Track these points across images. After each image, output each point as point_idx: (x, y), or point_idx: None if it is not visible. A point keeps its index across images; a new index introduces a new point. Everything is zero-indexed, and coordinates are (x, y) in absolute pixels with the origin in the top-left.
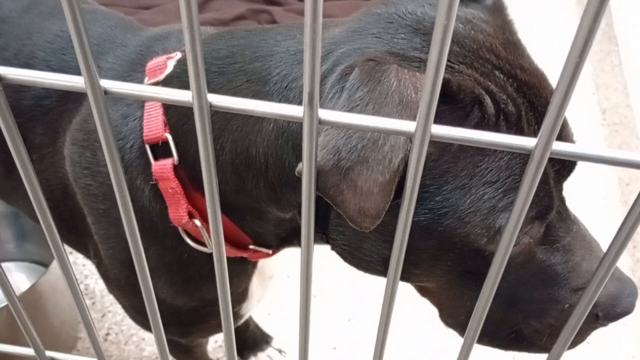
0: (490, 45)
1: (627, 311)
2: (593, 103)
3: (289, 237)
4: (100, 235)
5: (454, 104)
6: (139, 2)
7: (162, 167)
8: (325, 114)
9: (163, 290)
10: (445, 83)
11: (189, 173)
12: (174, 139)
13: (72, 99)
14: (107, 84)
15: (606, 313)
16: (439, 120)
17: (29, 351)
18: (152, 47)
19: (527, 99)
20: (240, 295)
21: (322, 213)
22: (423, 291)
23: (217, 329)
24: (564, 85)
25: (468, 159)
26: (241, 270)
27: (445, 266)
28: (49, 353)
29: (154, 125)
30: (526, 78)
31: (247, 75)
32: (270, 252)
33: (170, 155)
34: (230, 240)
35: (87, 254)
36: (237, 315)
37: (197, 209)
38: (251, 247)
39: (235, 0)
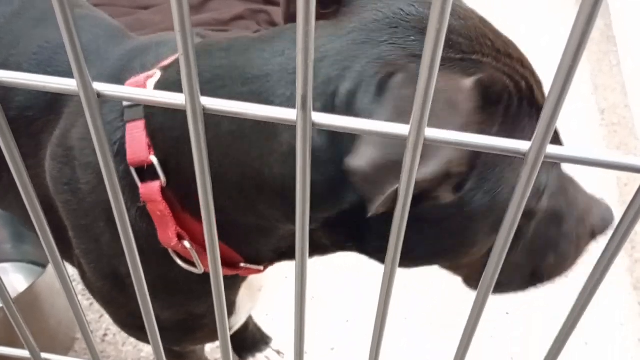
0: (483, 30)
1: (611, 220)
2: (591, 103)
3: (291, 249)
4: (82, 249)
5: (499, 101)
6: (137, 2)
7: (150, 190)
8: (318, 117)
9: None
10: (492, 83)
11: (177, 194)
12: (160, 160)
13: (54, 111)
14: (99, 86)
15: (598, 228)
16: (518, 121)
17: (24, 353)
18: (131, 63)
19: (531, 73)
20: (227, 309)
21: (361, 223)
22: (455, 267)
23: (206, 339)
24: (557, 88)
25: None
26: (229, 284)
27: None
28: (44, 355)
29: (138, 148)
30: (517, 55)
31: (244, 98)
32: (262, 268)
33: (157, 177)
34: (221, 259)
35: (73, 265)
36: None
37: (186, 230)
38: (242, 265)
39: (234, 0)
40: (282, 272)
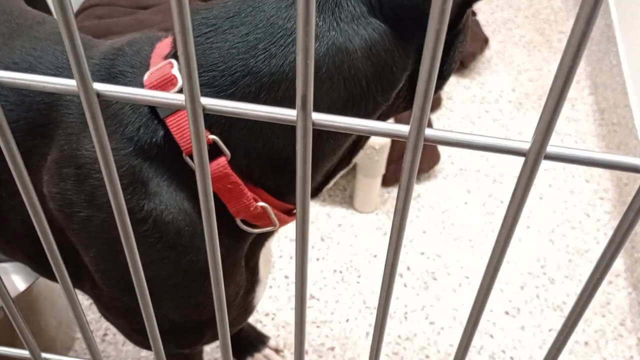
0: None
1: None
2: (591, 103)
3: (336, 169)
4: (103, 268)
5: None
6: (137, 2)
7: (218, 166)
8: (318, 117)
9: (195, 297)
10: None
11: (237, 166)
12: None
13: (40, 135)
14: (99, 86)
15: None
16: None
17: (24, 353)
18: (116, 62)
19: None
20: (252, 279)
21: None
22: None
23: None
24: (557, 87)
25: None
26: (254, 246)
27: None
28: (44, 355)
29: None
30: None
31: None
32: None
33: (218, 155)
34: (282, 211)
35: (80, 288)
36: (250, 306)
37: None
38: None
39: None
40: (282, 271)
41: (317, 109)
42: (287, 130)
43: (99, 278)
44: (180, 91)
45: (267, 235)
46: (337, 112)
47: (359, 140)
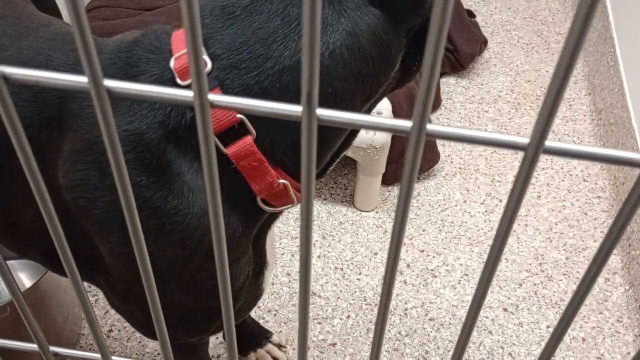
0: None
1: None
2: (589, 103)
3: (342, 146)
4: (124, 255)
5: None
6: (141, 4)
7: (244, 145)
8: (323, 113)
9: (210, 281)
10: None
11: (261, 146)
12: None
13: (55, 128)
14: (110, 83)
15: None
16: None
17: (33, 347)
18: (132, 55)
19: None
20: (260, 262)
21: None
22: None
23: (238, 316)
24: (556, 84)
25: None
26: (262, 230)
27: None
28: (52, 349)
29: (221, 114)
30: None
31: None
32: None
33: (244, 134)
34: (298, 190)
35: (91, 281)
36: (260, 290)
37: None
38: None
39: None
40: (284, 269)
41: (333, 86)
42: None
43: (119, 264)
44: (210, 73)
45: (274, 218)
46: (349, 89)
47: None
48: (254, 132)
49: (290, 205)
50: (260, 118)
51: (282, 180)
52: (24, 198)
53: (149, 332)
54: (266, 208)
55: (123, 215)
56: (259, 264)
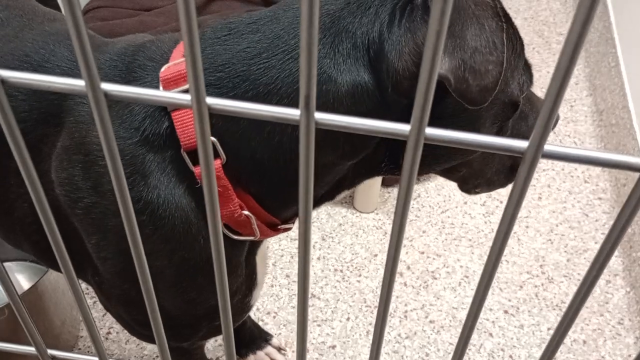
0: None
1: (558, 120)
2: (590, 104)
3: (324, 195)
4: (106, 254)
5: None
6: (140, 4)
7: None
8: (321, 117)
9: (188, 293)
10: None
11: (230, 171)
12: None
13: (52, 123)
14: (107, 86)
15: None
16: (518, 61)
17: (30, 350)
18: (136, 58)
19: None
20: (250, 282)
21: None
22: (452, 172)
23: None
24: (555, 87)
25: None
26: (250, 251)
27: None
28: (50, 351)
29: (192, 133)
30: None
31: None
32: (292, 225)
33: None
34: (266, 224)
35: (82, 276)
36: (247, 306)
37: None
38: (280, 227)
39: (235, 1)
40: (283, 271)
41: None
42: (272, 142)
43: (100, 265)
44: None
45: (260, 241)
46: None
47: (363, 167)
48: (224, 156)
49: (253, 237)
50: (232, 143)
51: (245, 212)
52: (19, 189)
53: (135, 332)
54: (232, 235)
55: (102, 219)
56: (249, 286)
